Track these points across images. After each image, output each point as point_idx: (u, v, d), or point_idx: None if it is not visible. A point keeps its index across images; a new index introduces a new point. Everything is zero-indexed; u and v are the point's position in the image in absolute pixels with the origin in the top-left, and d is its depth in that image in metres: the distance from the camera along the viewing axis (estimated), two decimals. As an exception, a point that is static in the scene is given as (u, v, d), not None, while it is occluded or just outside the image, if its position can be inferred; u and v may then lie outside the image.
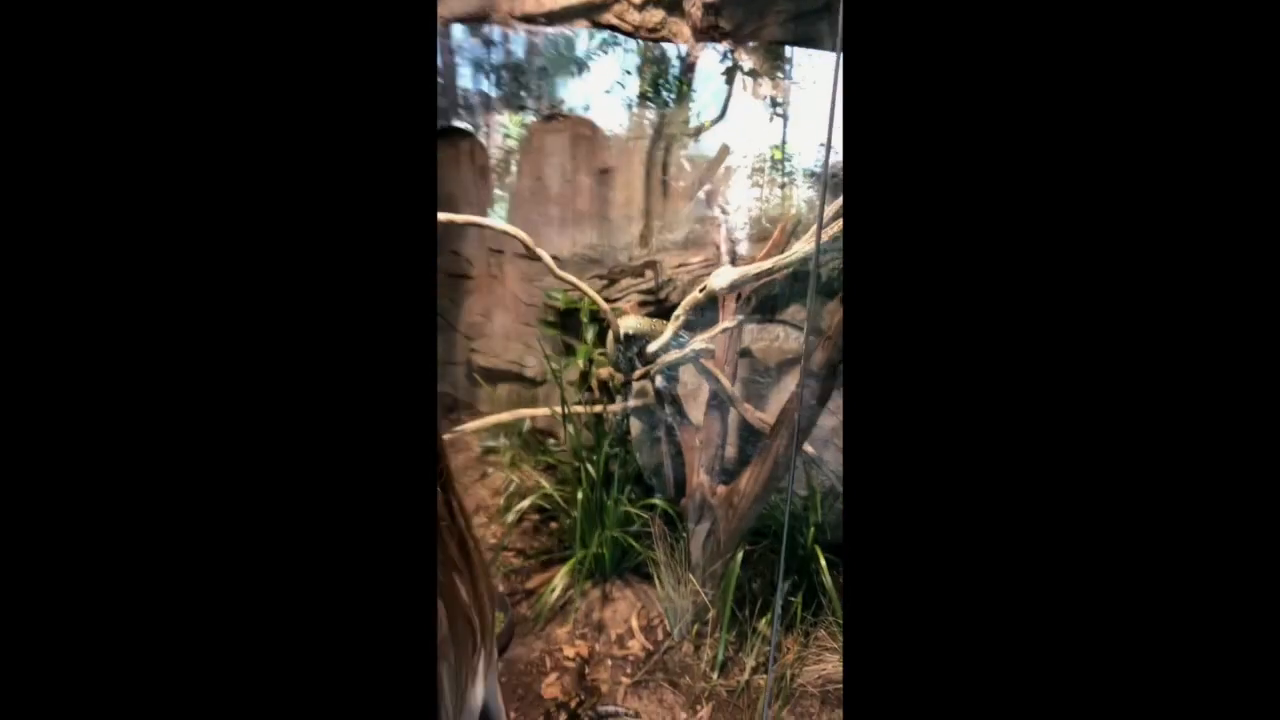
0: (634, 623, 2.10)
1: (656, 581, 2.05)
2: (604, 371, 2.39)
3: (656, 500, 2.24)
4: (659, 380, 2.16)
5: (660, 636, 1.98)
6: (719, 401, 2.03)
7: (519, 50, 3.32)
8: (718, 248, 2.22)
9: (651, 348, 2.07)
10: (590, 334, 2.59)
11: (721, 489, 1.96)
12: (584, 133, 3.21)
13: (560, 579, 2.09)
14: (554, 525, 2.49)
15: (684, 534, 2.09)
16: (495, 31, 3.11)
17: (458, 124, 3.28)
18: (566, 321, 2.88)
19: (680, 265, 2.80)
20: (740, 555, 1.90)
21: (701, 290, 1.88)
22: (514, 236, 2.15)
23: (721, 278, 1.77)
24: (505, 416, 2.51)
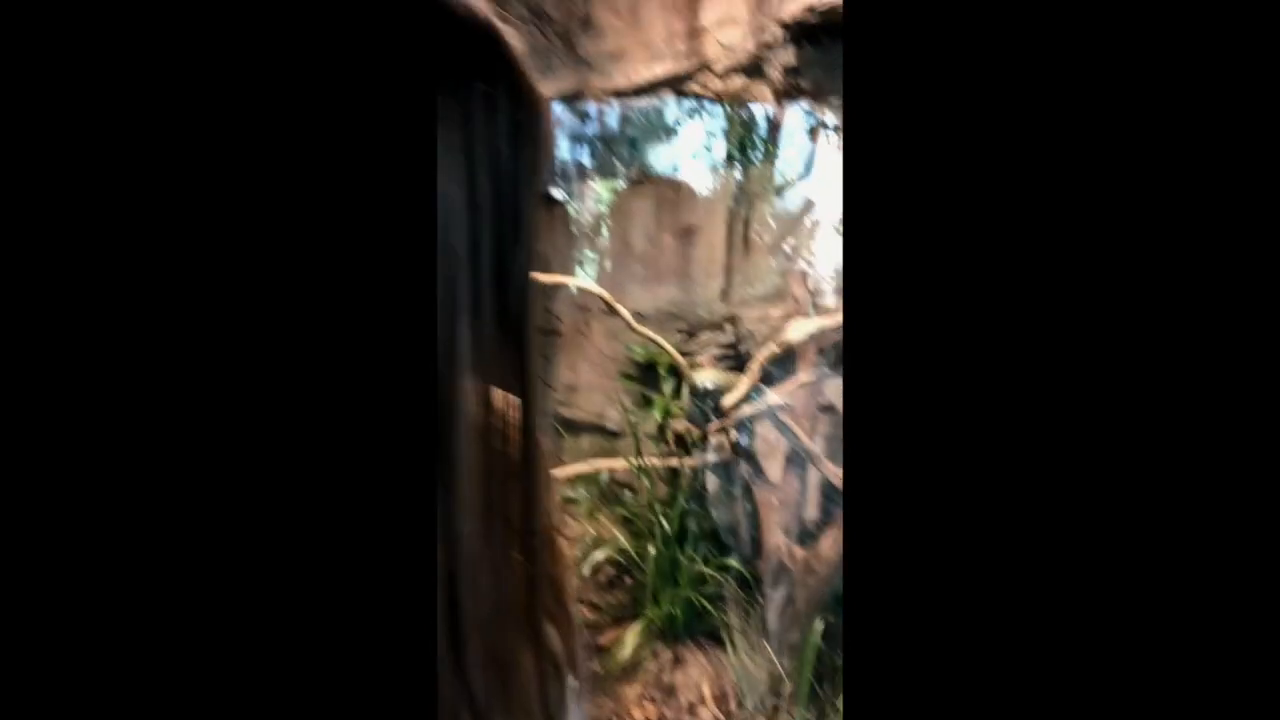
0: (705, 690, 1.99)
1: (730, 647, 1.94)
2: (679, 425, 2.39)
3: (732, 561, 2.15)
4: (736, 436, 2.12)
5: (733, 707, 1.86)
6: (798, 459, 1.95)
7: (612, 122, 3.56)
8: (796, 300, 2.19)
9: (727, 401, 2.04)
10: (668, 387, 2.61)
11: (800, 552, 1.86)
12: (669, 195, 3.33)
13: (631, 637, 2.04)
14: (629, 580, 2.45)
15: (760, 598, 1.98)
16: (591, 107, 3.36)
17: (554, 192, 3.51)
18: (646, 375, 2.92)
19: (761, 319, 2.78)
20: (821, 626, 1.77)
21: (778, 344, 1.85)
22: (596, 294, 2.24)
23: (798, 329, 1.74)
24: (582, 467, 2.54)
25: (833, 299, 2.37)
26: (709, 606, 2.08)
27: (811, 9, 1.81)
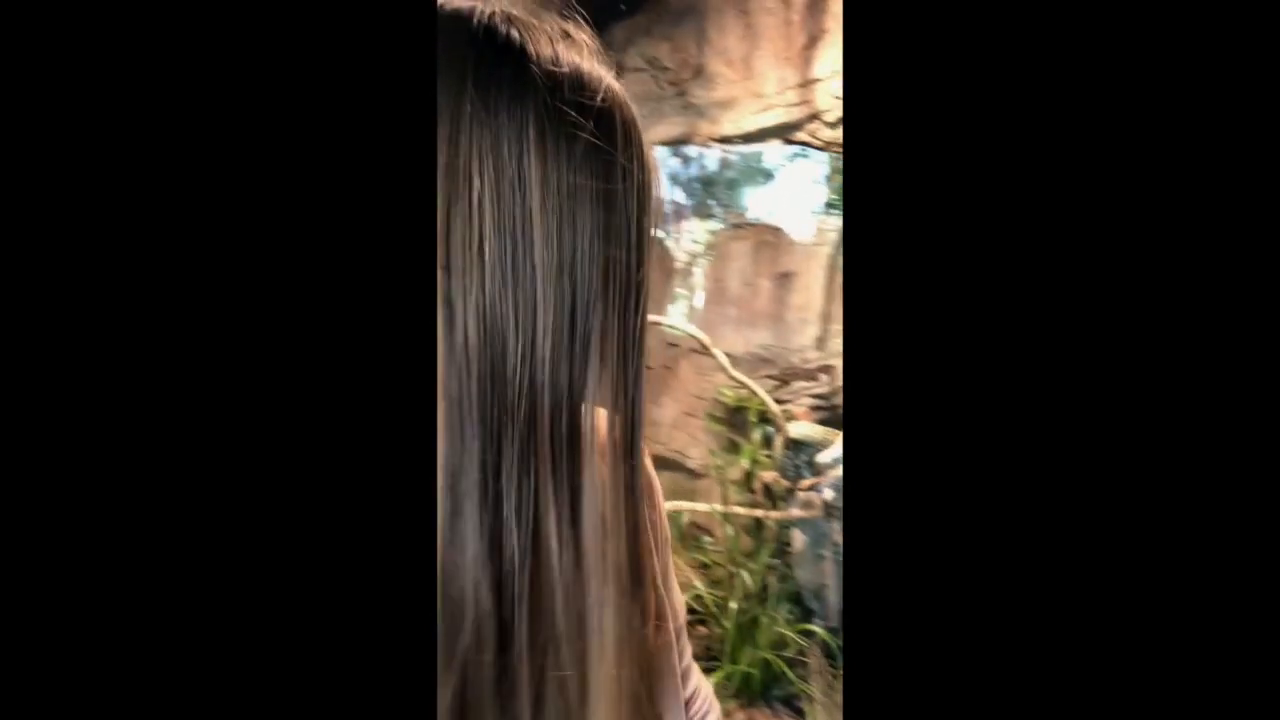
0: (780, 764, 1.87)
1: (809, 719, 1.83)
2: (768, 475, 2.32)
3: (816, 627, 2.04)
4: (828, 493, 2.03)
5: (810, 789, 1.74)
6: (897, 526, 1.83)
7: (712, 164, 3.62)
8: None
9: (822, 458, 1.97)
10: (757, 434, 2.55)
11: (895, 628, 1.73)
12: (768, 239, 3.32)
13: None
14: (703, 630, 2.38)
15: (834, 670, 1.86)
16: (693, 149, 3.43)
17: (658, 232, 3.59)
18: (734, 419, 2.87)
19: (859, 372, 2.68)
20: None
21: (883, 403, 1.77)
22: (691, 335, 2.25)
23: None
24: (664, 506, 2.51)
25: None
26: (789, 672, 1.98)
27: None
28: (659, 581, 0.42)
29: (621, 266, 0.33)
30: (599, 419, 0.34)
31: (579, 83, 0.32)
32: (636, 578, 0.36)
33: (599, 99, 0.32)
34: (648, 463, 0.40)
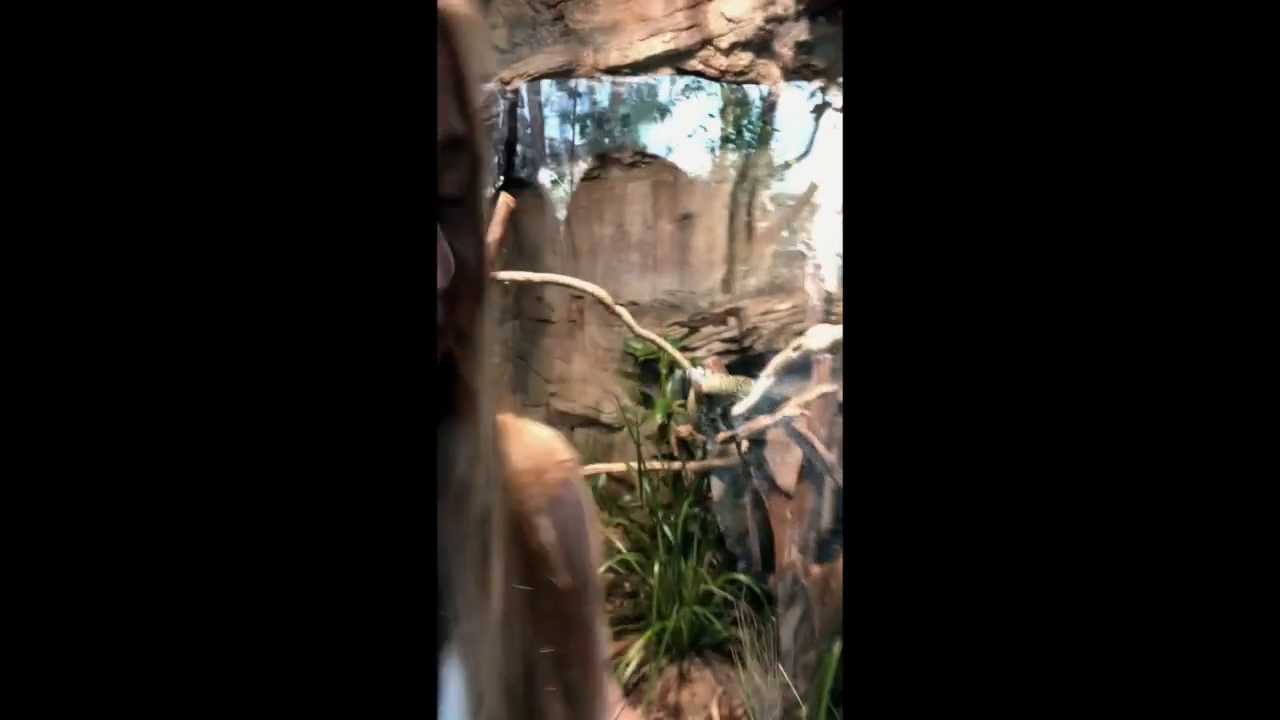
0: (714, 710, 1.92)
1: (739, 667, 1.86)
2: (683, 429, 2.27)
3: (741, 576, 2.05)
4: (744, 443, 2.01)
5: (745, 732, 1.78)
6: (814, 469, 1.85)
7: (603, 100, 3.37)
8: (807, 294, 2.07)
9: (737, 410, 1.92)
10: (670, 386, 2.48)
11: (817, 569, 1.77)
12: (665, 178, 3.18)
13: (635, 653, 1.94)
14: (628, 588, 2.35)
15: (773, 616, 1.89)
16: (581, 84, 3.17)
17: (545, 173, 3.35)
18: (646, 371, 2.79)
19: (766, 312, 2.66)
20: (838, 647, 1.69)
21: (795, 349, 1.73)
22: (593, 295, 2.10)
23: (819, 337, 1.61)
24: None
25: (837, 287, 2.25)
26: (716, 623, 1.99)
27: (831, -22, 1.64)
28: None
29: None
30: None
31: None
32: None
33: None
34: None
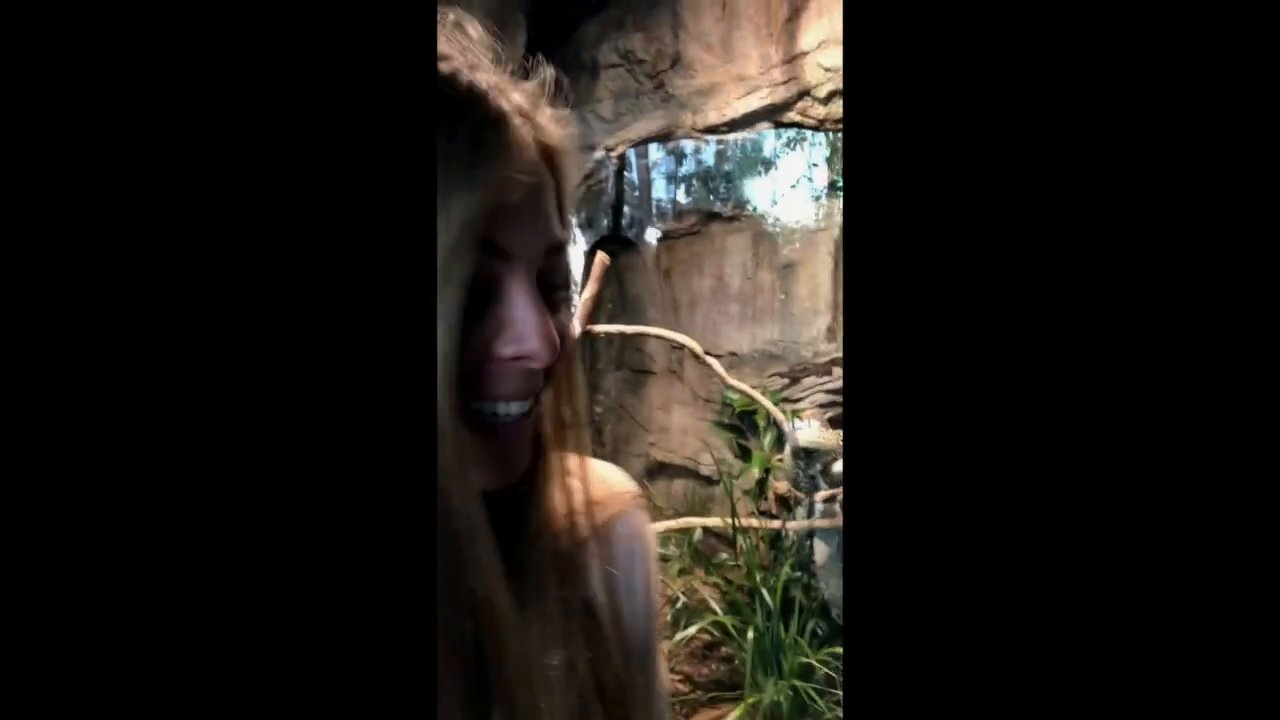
0: (816, 804, 1.72)
1: (845, 756, 1.66)
2: (781, 485, 2.15)
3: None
4: (847, 502, 1.86)
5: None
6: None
7: (708, 158, 3.46)
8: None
9: (839, 466, 1.80)
10: (768, 439, 2.38)
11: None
12: (766, 230, 3.16)
13: (730, 724, 1.81)
14: (723, 651, 2.22)
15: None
16: (688, 145, 3.29)
17: (651, 232, 3.48)
18: (745, 422, 2.71)
19: (874, 364, 2.50)
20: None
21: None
22: (684, 345, 2.10)
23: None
24: (675, 524, 2.37)
25: None
26: (819, 701, 1.82)
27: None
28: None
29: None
30: None
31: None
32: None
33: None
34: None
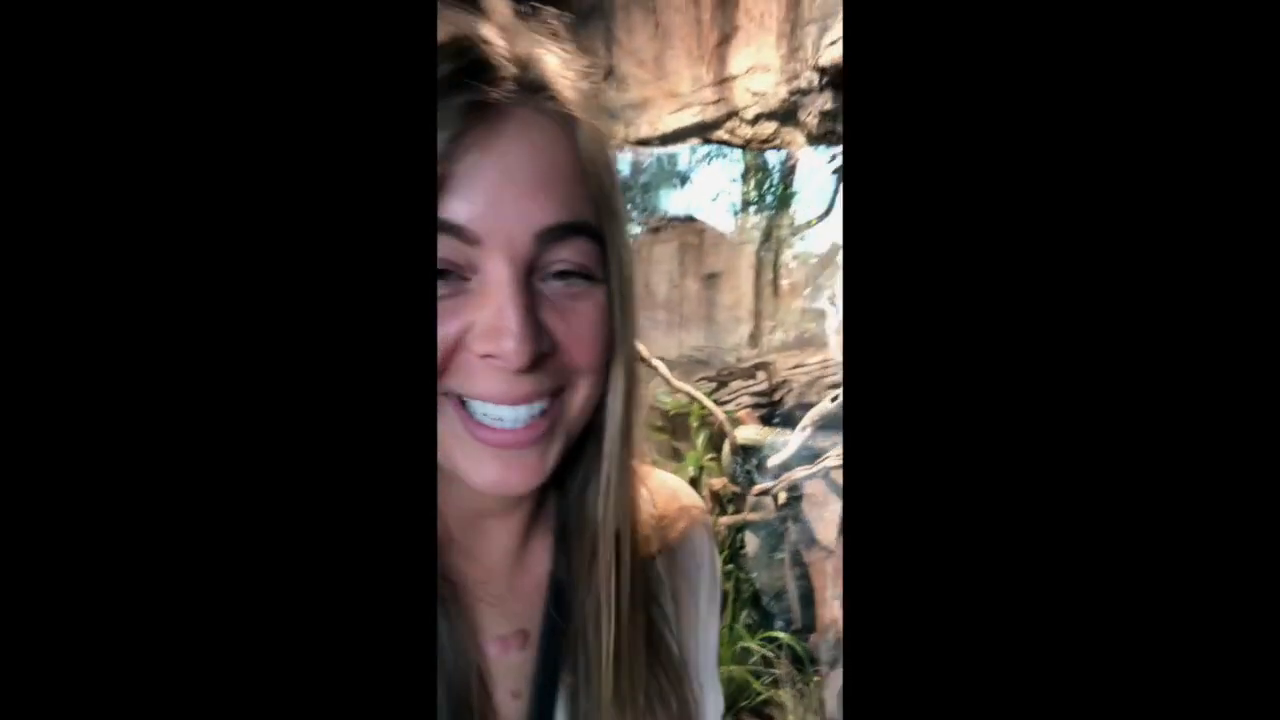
0: (757, 780, 1.82)
1: (784, 732, 1.78)
2: (717, 482, 2.26)
3: (780, 634, 2.00)
4: (782, 495, 2.00)
5: (791, 804, 1.69)
6: (852, 522, 1.83)
7: (625, 169, 3.55)
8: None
9: (774, 460, 1.93)
10: (700, 439, 2.49)
11: (860, 626, 1.71)
12: (691, 240, 3.30)
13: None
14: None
15: (815, 676, 1.83)
16: (622, 157, 3.34)
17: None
18: (675, 426, 2.81)
19: (796, 366, 2.69)
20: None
21: (834, 399, 1.75)
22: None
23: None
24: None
25: None
26: (755, 681, 1.93)
27: (853, 56, 1.77)
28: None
29: None
30: None
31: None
32: None
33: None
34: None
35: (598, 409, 0.37)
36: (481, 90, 0.30)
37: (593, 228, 0.34)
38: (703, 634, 0.47)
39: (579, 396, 0.36)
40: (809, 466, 1.79)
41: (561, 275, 0.33)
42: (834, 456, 1.75)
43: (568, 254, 0.33)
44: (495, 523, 0.41)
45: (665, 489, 0.47)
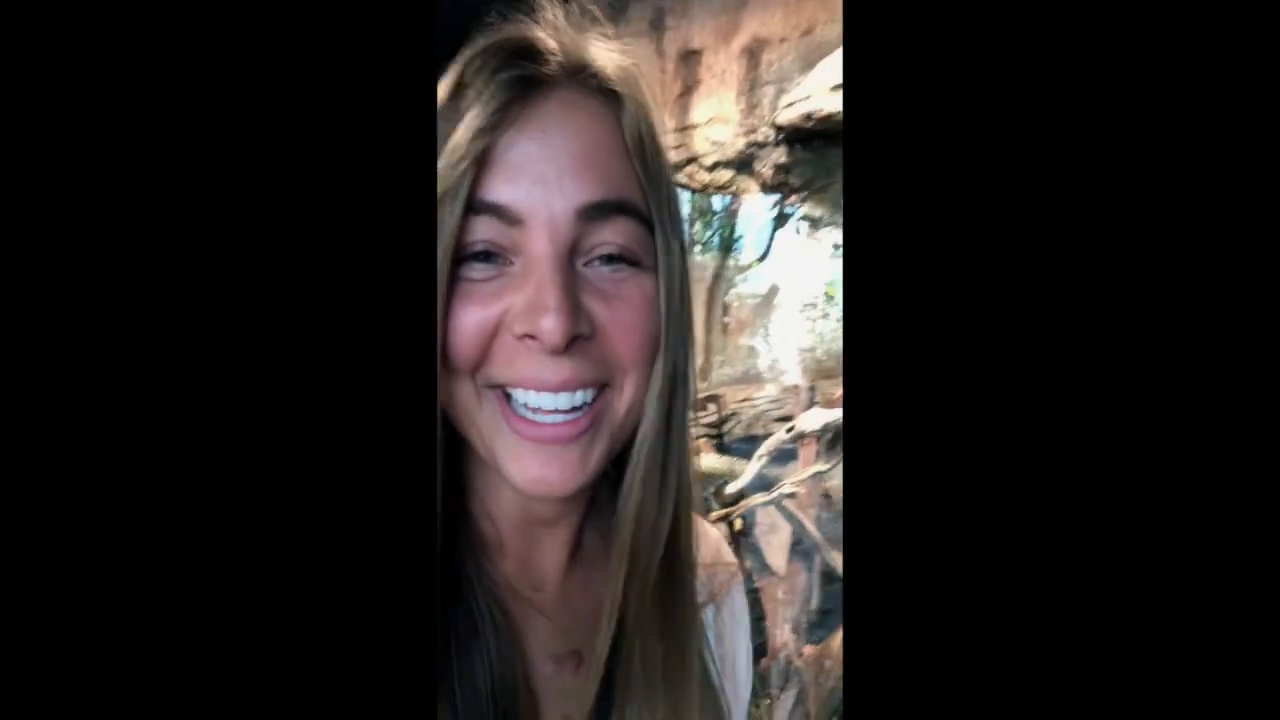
0: (708, 809, 1.82)
1: (735, 758, 1.80)
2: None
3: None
4: (738, 523, 2.08)
5: (744, 830, 1.70)
6: (804, 547, 1.92)
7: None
8: (797, 386, 2.23)
9: (731, 489, 2.01)
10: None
11: (810, 650, 1.80)
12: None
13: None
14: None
15: (766, 700, 1.88)
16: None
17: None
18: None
19: (745, 400, 2.81)
20: (834, 730, 1.68)
21: (789, 431, 1.86)
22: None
23: (813, 419, 1.75)
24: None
25: (800, 378, 2.44)
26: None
27: (808, 116, 1.95)
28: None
29: None
30: None
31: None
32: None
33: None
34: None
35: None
36: (525, 67, 0.30)
37: (638, 208, 0.32)
38: (743, 690, 0.47)
39: (624, 397, 0.34)
40: (765, 494, 1.88)
41: (607, 260, 0.32)
42: (788, 485, 1.84)
43: (611, 235, 0.32)
44: (544, 532, 0.41)
45: (710, 541, 0.46)
